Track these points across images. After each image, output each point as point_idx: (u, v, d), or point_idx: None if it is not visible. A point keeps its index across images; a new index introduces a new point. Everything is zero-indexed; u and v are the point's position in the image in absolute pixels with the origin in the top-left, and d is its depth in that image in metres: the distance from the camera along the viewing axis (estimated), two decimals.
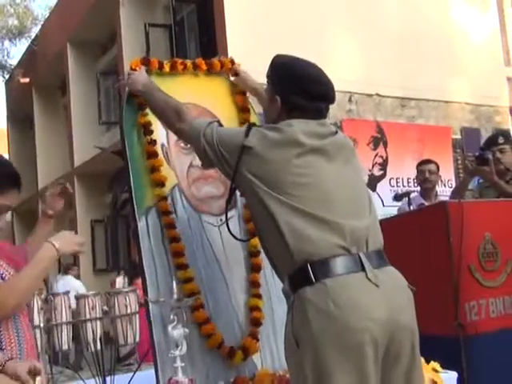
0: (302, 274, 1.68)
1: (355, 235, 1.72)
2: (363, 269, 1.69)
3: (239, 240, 2.16)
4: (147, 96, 2.12)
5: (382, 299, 1.67)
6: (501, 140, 3.82)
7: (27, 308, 1.89)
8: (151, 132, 2.22)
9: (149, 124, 2.22)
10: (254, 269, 2.29)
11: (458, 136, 9.75)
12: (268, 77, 1.99)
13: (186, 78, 2.40)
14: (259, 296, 2.26)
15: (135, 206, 2.13)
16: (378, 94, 8.96)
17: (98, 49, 13.37)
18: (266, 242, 1.82)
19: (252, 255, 2.30)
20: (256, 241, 2.26)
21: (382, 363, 1.66)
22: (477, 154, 3.80)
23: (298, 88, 1.89)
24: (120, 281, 8.28)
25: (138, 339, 2.83)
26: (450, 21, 10.26)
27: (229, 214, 2.28)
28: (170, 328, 1.84)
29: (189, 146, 2.27)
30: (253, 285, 2.27)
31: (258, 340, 2.19)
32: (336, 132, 1.92)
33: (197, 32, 10.39)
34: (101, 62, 13.29)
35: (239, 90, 2.51)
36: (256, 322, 2.21)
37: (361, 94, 9.12)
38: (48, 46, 14.18)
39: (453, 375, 2.08)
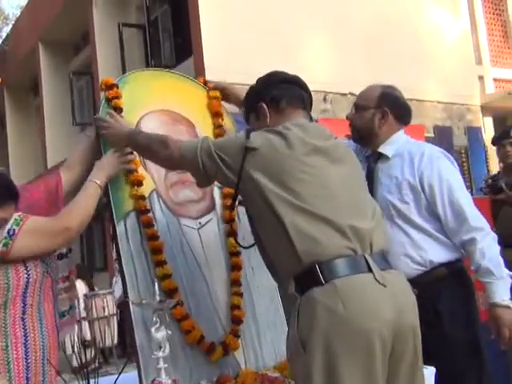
0: (310, 276, 1.68)
1: (359, 236, 1.73)
2: (370, 270, 1.70)
3: (245, 248, 2.14)
4: (130, 142, 2.11)
5: (389, 299, 1.69)
6: None
7: (53, 295, 1.92)
8: None
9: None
10: (235, 268, 2.31)
11: (431, 134, 9.88)
12: (246, 109, 2.05)
13: (159, 85, 2.41)
14: (240, 294, 2.28)
15: (114, 211, 2.13)
16: (351, 94, 9.03)
17: (70, 49, 13.24)
18: (269, 245, 1.81)
19: (233, 254, 2.32)
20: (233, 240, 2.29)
21: (388, 363, 1.68)
22: (489, 183, 3.99)
23: (273, 82, 1.97)
24: (81, 286, 8.13)
25: (116, 341, 2.82)
26: (422, 21, 10.39)
27: (207, 217, 2.31)
28: (152, 330, 1.85)
29: None
30: (234, 283, 2.29)
31: (238, 337, 2.21)
32: (335, 136, 1.95)
33: (171, 32, 10.36)
34: (74, 62, 13.17)
35: (212, 95, 2.52)
36: (237, 320, 2.23)
37: (335, 94, 9.19)
38: (19, 45, 13.99)
39: (431, 370, 2.13)
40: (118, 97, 2.24)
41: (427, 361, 2.14)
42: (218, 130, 2.45)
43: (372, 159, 2.49)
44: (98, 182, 2.03)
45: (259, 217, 1.82)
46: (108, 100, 2.24)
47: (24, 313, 1.81)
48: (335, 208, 1.75)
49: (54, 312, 1.94)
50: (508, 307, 2.22)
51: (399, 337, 1.69)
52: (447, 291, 2.31)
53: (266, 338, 2.30)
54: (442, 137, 9.84)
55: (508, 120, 11.92)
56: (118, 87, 2.26)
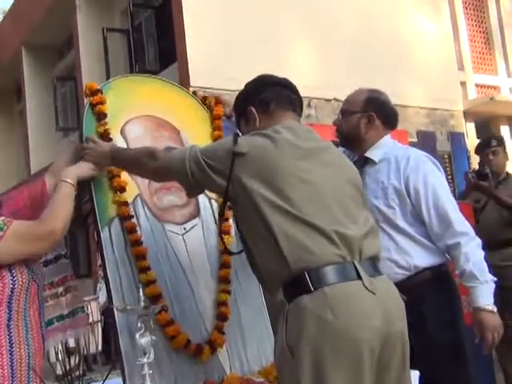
0: (299, 283, 1.66)
1: (350, 243, 1.71)
2: (359, 277, 1.68)
3: (234, 254, 2.14)
4: (115, 160, 2.08)
5: (379, 307, 1.68)
6: (494, 143, 4.25)
7: (39, 302, 1.91)
8: (110, 140, 2.21)
9: (107, 133, 2.21)
10: (224, 265, 2.31)
11: (415, 139, 9.95)
12: (236, 114, 2.05)
13: (144, 90, 2.41)
14: (228, 292, 2.28)
15: (98, 217, 2.12)
16: (335, 99, 9.09)
17: (54, 53, 13.19)
18: (257, 251, 1.78)
19: (223, 252, 2.31)
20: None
21: (375, 370, 1.66)
22: (476, 169, 4.07)
23: (261, 85, 1.96)
24: None
25: (100, 348, 2.81)
26: (405, 27, 10.49)
27: (192, 223, 2.30)
28: (137, 336, 1.85)
29: None
30: (223, 280, 2.29)
31: (223, 334, 2.21)
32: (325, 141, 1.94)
33: (155, 37, 10.35)
34: (57, 67, 13.11)
35: (198, 100, 2.53)
36: (222, 317, 2.24)
37: (319, 99, 9.25)
38: (2, 50, 13.91)
39: (415, 373, 2.15)
40: (102, 102, 2.23)
41: (412, 363, 2.16)
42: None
43: (359, 164, 2.48)
44: (70, 181, 2.00)
45: (248, 223, 1.79)
46: (92, 106, 2.23)
47: (9, 319, 1.80)
48: (325, 214, 1.72)
49: (39, 319, 1.93)
50: (491, 312, 2.23)
51: (387, 344, 1.68)
52: (431, 295, 2.32)
53: (252, 343, 2.30)
54: (425, 142, 9.89)
55: (490, 125, 12.06)
56: (102, 93, 2.26)
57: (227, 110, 2.56)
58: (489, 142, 4.28)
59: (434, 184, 2.33)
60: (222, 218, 1.93)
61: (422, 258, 2.33)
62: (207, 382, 2.06)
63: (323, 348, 1.60)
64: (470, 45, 11.87)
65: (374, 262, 1.80)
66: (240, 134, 1.90)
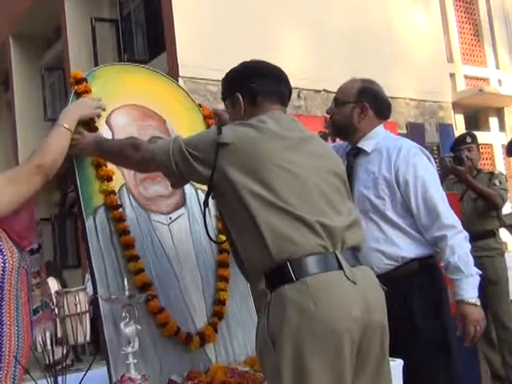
0: (281, 272, 1.67)
1: (331, 234, 1.72)
2: (340, 267, 1.69)
3: (215, 242, 2.17)
4: (100, 151, 2.07)
5: (359, 296, 1.69)
6: (468, 139, 4.40)
7: (27, 288, 1.90)
8: (96, 128, 2.19)
9: (92, 121, 2.19)
10: (224, 265, 2.33)
11: (404, 131, 9.99)
12: (223, 92, 2.02)
13: (131, 79, 2.40)
14: (227, 291, 2.29)
15: (82, 206, 2.12)
16: (325, 90, 9.09)
17: (42, 43, 13.07)
18: (240, 241, 1.78)
19: (220, 252, 2.34)
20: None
21: (355, 360, 1.68)
22: (453, 154, 4.19)
23: (253, 74, 1.94)
24: (54, 285, 8.02)
25: (88, 339, 2.81)
26: (395, 19, 10.49)
27: (178, 212, 2.29)
28: (122, 325, 1.85)
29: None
30: (222, 279, 2.31)
31: (217, 332, 2.22)
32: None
33: (144, 26, 10.29)
34: (45, 57, 13.00)
35: (184, 90, 2.52)
36: (219, 315, 2.25)
37: (309, 90, 9.24)
38: None
39: (399, 362, 2.16)
40: (86, 91, 2.22)
41: (397, 353, 2.17)
42: None
43: (351, 154, 2.49)
44: (66, 125, 2.00)
45: (231, 213, 1.78)
46: (77, 94, 2.22)
47: (1, 299, 1.79)
48: (309, 205, 1.73)
49: (28, 304, 1.92)
50: (474, 305, 2.25)
51: (367, 333, 1.69)
52: (418, 285, 2.33)
53: (237, 334, 2.31)
54: (414, 133, 9.95)
55: (479, 117, 12.11)
56: (87, 81, 2.24)
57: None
58: (464, 138, 4.46)
59: (423, 176, 2.34)
60: (206, 207, 1.90)
61: (409, 249, 2.34)
62: (192, 371, 2.06)
63: (304, 337, 1.61)
64: (459, 37, 11.90)
65: (354, 252, 1.81)
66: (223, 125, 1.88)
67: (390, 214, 2.35)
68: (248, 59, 2.03)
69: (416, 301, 2.32)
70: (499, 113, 12.25)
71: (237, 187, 1.72)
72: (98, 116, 2.19)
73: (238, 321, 2.32)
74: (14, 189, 1.82)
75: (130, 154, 1.92)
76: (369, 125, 2.46)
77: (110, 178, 2.16)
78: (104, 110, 2.21)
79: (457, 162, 4.15)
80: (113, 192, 2.16)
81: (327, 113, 2.55)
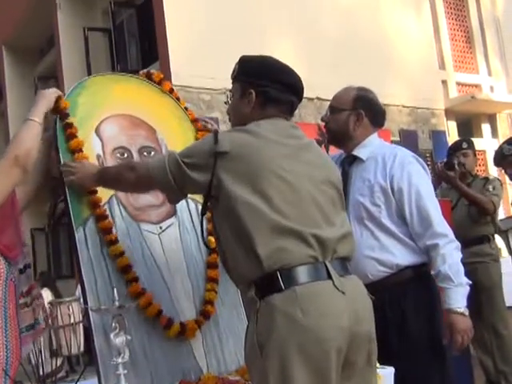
0: (270, 281, 1.67)
1: (323, 245, 1.72)
2: (329, 276, 1.70)
3: (209, 248, 2.20)
4: (100, 180, 2.05)
5: (348, 307, 1.69)
6: (464, 145, 4.45)
7: (16, 303, 1.89)
8: (64, 107, 2.19)
9: (57, 105, 2.18)
10: (213, 266, 2.33)
11: (397, 138, 10.02)
12: (237, 74, 1.96)
13: (121, 89, 2.40)
14: (216, 291, 2.30)
15: (72, 217, 2.11)
16: (318, 98, 9.11)
17: (35, 53, 13.07)
18: (229, 248, 1.77)
19: (210, 253, 2.34)
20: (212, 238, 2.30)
21: (341, 370, 1.68)
22: (445, 160, 4.22)
23: (274, 79, 1.90)
24: (47, 295, 7.96)
25: (82, 349, 2.80)
26: (387, 26, 10.54)
27: (168, 222, 2.29)
28: (112, 335, 1.84)
29: (125, 155, 2.27)
30: (211, 280, 2.31)
31: (199, 328, 2.21)
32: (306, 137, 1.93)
33: (137, 36, 10.30)
34: (39, 67, 12.99)
35: (175, 100, 2.53)
36: (206, 315, 2.25)
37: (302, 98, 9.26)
38: None
39: (390, 371, 2.16)
40: (62, 107, 2.19)
41: (391, 360, 2.18)
42: None
43: (346, 162, 2.50)
44: (35, 118, 2.04)
45: (224, 220, 1.77)
46: (56, 114, 2.19)
47: None
48: (304, 216, 1.73)
49: (17, 318, 1.91)
50: (462, 314, 2.26)
51: (354, 343, 1.69)
52: (412, 293, 2.34)
53: (229, 343, 2.30)
54: (407, 140, 9.98)
55: (472, 123, 12.16)
56: (61, 98, 2.21)
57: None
58: (460, 144, 4.51)
59: (417, 184, 2.34)
60: (203, 216, 1.90)
61: (404, 257, 2.34)
62: (183, 381, 2.06)
63: (291, 345, 1.61)
64: (451, 44, 11.95)
65: (344, 262, 1.81)
66: (218, 132, 1.85)
67: (386, 221, 2.35)
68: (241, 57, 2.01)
69: (409, 308, 2.33)
70: (491, 119, 12.30)
71: (232, 196, 1.71)
72: (59, 98, 2.19)
73: (229, 330, 2.32)
74: None
75: (127, 177, 1.92)
76: (364, 133, 2.47)
77: (93, 192, 2.15)
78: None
79: (447, 167, 4.17)
80: (98, 205, 2.15)
81: (322, 120, 2.55)
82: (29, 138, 1.97)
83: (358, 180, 2.42)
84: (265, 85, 1.89)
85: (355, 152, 2.47)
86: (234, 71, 1.97)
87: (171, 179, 1.80)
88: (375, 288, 2.23)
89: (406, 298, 2.33)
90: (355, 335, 1.69)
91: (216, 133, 1.81)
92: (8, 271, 1.85)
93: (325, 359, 1.62)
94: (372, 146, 2.46)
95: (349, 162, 2.49)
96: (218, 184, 1.74)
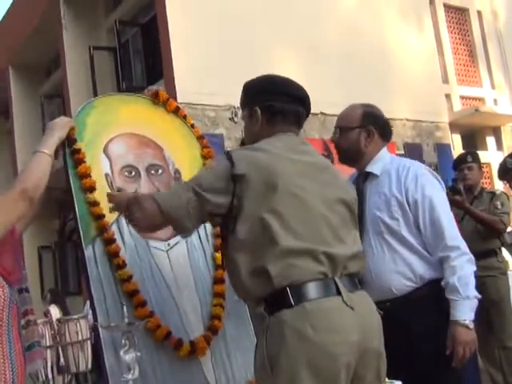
0: (281, 298, 1.68)
1: (335, 263, 1.73)
2: (339, 292, 1.71)
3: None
4: (130, 206, 1.90)
5: (357, 323, 1.69)
6: (469, 159, 4.48)
7: (18, 325, 1.91)
8: (74, 140, 2.21)
9: (69, 135, 2.20)
10: (220, 281, 2.35)
11: (402, 151, 10.04)
12: (243, 99, 2.00)
13: (128, 109, 2.44)
14: (223, 307, 2.31)
15: (81, 235, 2.14)
16: (322, 113, 9.16)
17: (41, 72, 13.19)
18: (239, 265, 1.74)
19: (218, 267, 2.37)
20: (219, 254, 2.35)
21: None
22: (449, 185, 4.24)
23: (277, 91, 1.93)
24: (55, 312, 7.96)
25: (90, 366, 2.80)
26: (390, 41, 10.60)
27: (176, 239, 2.31)
28: (121, 352, 1.86)
29: (133, 174, 2.30)
30: (217, 295, 2.33)
31: (209, 344, 2.23)
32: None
33: (142, 54, 10.40)
34: (45, 86, 13.11)
35: (181, 118, 2.56)
36: (214, 330, 2.26)
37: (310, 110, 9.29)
38: None
39: None
40: (71, 133, 2.20)
41: (414, 372, 2.20)
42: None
43: (361, 179, 2.51)
44: (45, 151, 2.02)
45: (237, 240, 1.75)
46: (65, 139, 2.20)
47: None
48: (315, 234, 1.74)
49: (20, 341, 1.93)
50: (467, 327, 2.25)
51: (363, 359, 1.70)
52: (434, 307, 2.32)
53: (237, 359, 2.31)
54: (412, 154, 10.00)
55: (476, 136, 12.17)
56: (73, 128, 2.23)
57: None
58: (465, 158, 4.51)
59: (430, 195, 2.36)
60: (222, 239, 1.88)
61: (426, 271, 2.34)
62: None
63: (301, 361, 1.61)
64: (453, 58, 12.00)
65: (353, 278, 1.81)
66: (231, 152, 1.81)
67: (405, 233, 2.35)
68: (244, 83, 2.04)
69: (435, 320, 2.31)
70: (496, 132, 12.31)
71: (248, 214, 1.72)
72: (73, 129, 2.19)
73: (237, 345, 2.33)
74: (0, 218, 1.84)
75: (146, 207, 1.82)
76: (375, 148, 2.48)
77: (101, 216, 2.18)
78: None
79: (453, 193, 4.15)
80: (105, 229, 2.17)
81: (331, 140, 2.56)
82: (38, 170, 1.97)
83: (374, 195, 2.43)
84: (268, 99, 1.91)
85: (368, 168, 2.48)
86: (240, 99, 2.00)
87: (188, 210, 1.75)
88: (400, 302, 2.26)
89: (429, 313, 2.31)
90: (364, 351, 1.70)
91: (229, 155, 1.78)
92: (11, 295, 1.87)
93: (334, 374, 1.63)
94: (384, 161, 2.47)
95: (363, 179, 2.50)
96: (238, 204, 1.73)
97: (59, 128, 2.14)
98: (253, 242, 1.71)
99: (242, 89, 2.01)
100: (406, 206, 2.36)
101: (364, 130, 2.47)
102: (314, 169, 1.85)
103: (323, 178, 1.85)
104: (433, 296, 2.32)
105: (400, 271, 2.34)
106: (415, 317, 2.29)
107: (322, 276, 1.70)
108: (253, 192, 1.72)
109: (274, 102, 1.90)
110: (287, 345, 1.62)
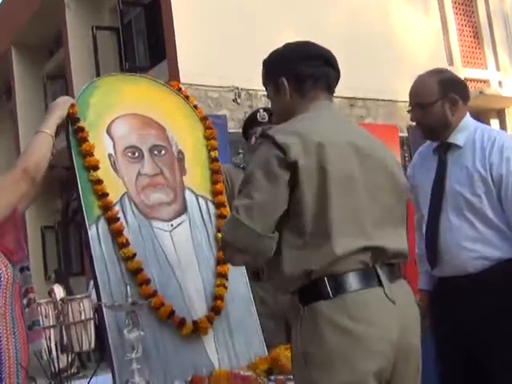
0: (317, 287, 1.57)
1: (377, 253, 1.61)
2: (380, 283, 1.60)
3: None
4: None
5: (397, 317, 1.59)
6: None
7: (21, 303, 1.93)
8: (77, 119, 2.20)
9: (70, 115, 2.19)
10: (222, 262, 2.34)
11: (405, 134, 10.01)
12: (265, 76, 1.85)
13: (131, 89, 2.43)
14: (225, 287, 2.32)
15: (85, 214, 2.14)
16: None
17: (44, 52, 13.15)
18: (278, 256, 1.60)
19: (219, 249, 2.32)
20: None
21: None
22: None
23: (300, 55, 1.79)
24: (59, 291, 8.03)
25: (93, 346, 2.82)
26: (395, 23, 10.53)
27: (179, 219, 2.31)
28: (125, 331, 1.87)
29: (136, 154, 2.30)
30: (220, 276, 2.33)
31: (211, 324, 2.24)
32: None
33: (145, 35, 10.36)
34: (47, 66, 13.08)
35: (183, 98, 2.56)
36: (216, 310, 2.27)
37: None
38: None
39: None
40: (73, 112, 2.19)
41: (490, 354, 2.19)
42: (214, 163, 2.49)
43: (441, 150, 2.39)
44: (47, 131, 2.03)
45: (288, 229, 1.60)
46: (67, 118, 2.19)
47: None
48: (359, 221, 1.61)
49: (23, 319, 1.95)
50: None
51: (402, 356, 1.60)
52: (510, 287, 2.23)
53: (240, 339, 2.32)
54: (416, 136, 9.95)
55: (480, 119, 12.09)
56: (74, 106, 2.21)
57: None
58: None
59: None
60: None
61: (505, 249, 2.25)
62: (195, 376, 2.09)
63: (336, 355, 1.53)
64: (459, 39, 11.92)
65: (393, 267, 1.68)
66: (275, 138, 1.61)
67: (487, 211, 2.25)
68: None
69: (509, 300, 2.22)
70: (500, 114, 12.26)
71: (295, 203, 1.58)
72: (73, 106, 2.18)
73: (240, 325, 2.34)
74: (2, 198, 1.85)
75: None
76: (460, 116, 2.36)
77: (104, 195, 2.17)
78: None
79: None
80: (109, 207, 2.17)
81: (413, 120, 2.43)
82: (40, 150, 1.98)
83: (455, 168, 2.32)
84: (292, 66, 1.76)
85: (451, 139, 2.34)
86: (262, 78, 1.86)
87: (257, 229, 1.56)
88: (475, 280, 2.20)
89: (505, 292, 2.21)
90: (405, 349, 1.60)
91: (275, 142, 1.59)
92: (14, 275, 1.89)
93: (371, 372, 1.53)
94: (468, 129, 2.35)
95: (443, 151, 2.37)
96: (295, 194, 1.58)
97: (59, 107, 2.14)
98: (295, 230, 1.58)
99: (262, 68, 1.87)
100: (490, 181, 2.24)
101: (447, 100, 2.32)
102: (360, 151, 1.66)
103: (369, 163, 1.67)
104: (509, 275, 2.23)
105: (476, 249, 2.25)
106: (489, 295, 2.20)
107: (363, 266, 1.59)
108: (303, 177, 1.56)
109: (299, 67, 1.75)
110: (322, 336, 1.53)
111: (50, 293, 7.81)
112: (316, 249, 1.57)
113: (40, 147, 2.00)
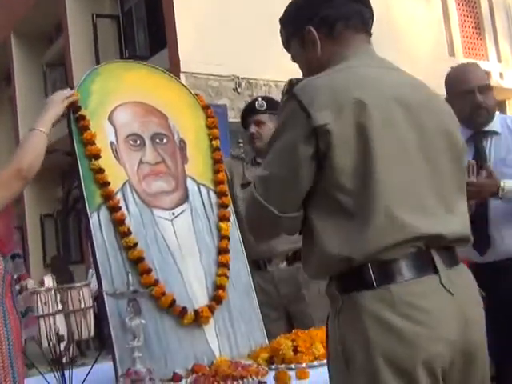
0: (359, 275, 1.31)
1: (431, 232, 1.33)
2: (435, 271, 1.33)
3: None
4: None
5: (456, 313, 1.33)
6: None
7: (12, 294, 1.92)
8: (83, 118, 2.19)
9: (75, 109, 2.19)
10: (224, 251, 2.36)
11: None
12: (285, 33, 1.58)
13: (132, 77, 2.42)
14: (227, 277, 2.32)
15: (86, 202, 2.14)
16: None
17: (43, 40, 13.09)
18: (320, 234, 1.36)
19: (223, 238, 2.37)
20: (223, 224, 2.36)
21: None
22: None
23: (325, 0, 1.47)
24: (49, 282, 8.05)
25: (92, 334, 2.83)
26: (396, 13, 10.48)
27: (181, 208, 2.31)
28: (127, 319, 1.87)
29: (138, 142, 2.30)
30: (222, 265, 2.34)
31: (212, 314, 2.25)
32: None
33: (145, 23, 10.30)
34: (47, 54, 13.02)
35: (185, 86, 2.55)
36: (218, 300, 2.28)
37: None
38: None
39: None
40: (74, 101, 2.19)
41: None
42: (215, 152, 2.50)
43: (477, 139, 2.52)
44: (41, 129, 2.01)
45: (321, 201, 1.36)
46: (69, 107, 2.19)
47: None
48: (410, 199, 1.34)
49: (14, 309, 1.94)
50: None
51: (465, 358, 1.34)
52: None
53: (241, 328, 2.33)
54: None
55: None
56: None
57: None
58: None
59: None
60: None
61: None
62: (196, 365, 2.09)
63: (384, 358, 1.27)
64: (460, 30, 11.87)
65: (453, 251, 1.41)
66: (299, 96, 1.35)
67: None
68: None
69: None
70: (501, 106, 12.23)
71: (334, 175, 1.32)
72: (75, 102, 2.17)
73: (241, 314, 2.35)
74: None
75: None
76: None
77: (106, 184, 2.17)
78: (76, 99, 2.18)
79: None
80: (110, 196, 2.17)
81: (474, 105, 2.53)
82: (34, 149, 1.96)
83: (498, 153, 2.45)
84: (314, 10, 1.47)
85: (490, 127, 2.50)
86: (282, 37, 1.60)
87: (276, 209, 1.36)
88: None
89: None
90: (464, 349, 1.34)
91: (299, 101, 1.33)
92: (6, 266, 1.89)
93: (424, 377, 1.28)
94: (497, 116, 2.53)
95: (481, 138, 2.51)
96: (329, 165, 1.32)
97: (55, 104, 2.11)
98: (335, 206, 1.34)
99: (280, 27, 1.60)
100: None
101: (491, 86, 2.52)
102: (408, 106, 1.38)
103: (422, 121, 1.39)
104: None
105: None
106: None
107: (415, 249, 1.32)
108: (338, 146, 1.30)
109: (324, 11, 1.46)
110: (367, 336, 1.28)
111: (41, 283, 7.87)
112: (359, 231, 1.31)
113: (34, 147, 1.97)
